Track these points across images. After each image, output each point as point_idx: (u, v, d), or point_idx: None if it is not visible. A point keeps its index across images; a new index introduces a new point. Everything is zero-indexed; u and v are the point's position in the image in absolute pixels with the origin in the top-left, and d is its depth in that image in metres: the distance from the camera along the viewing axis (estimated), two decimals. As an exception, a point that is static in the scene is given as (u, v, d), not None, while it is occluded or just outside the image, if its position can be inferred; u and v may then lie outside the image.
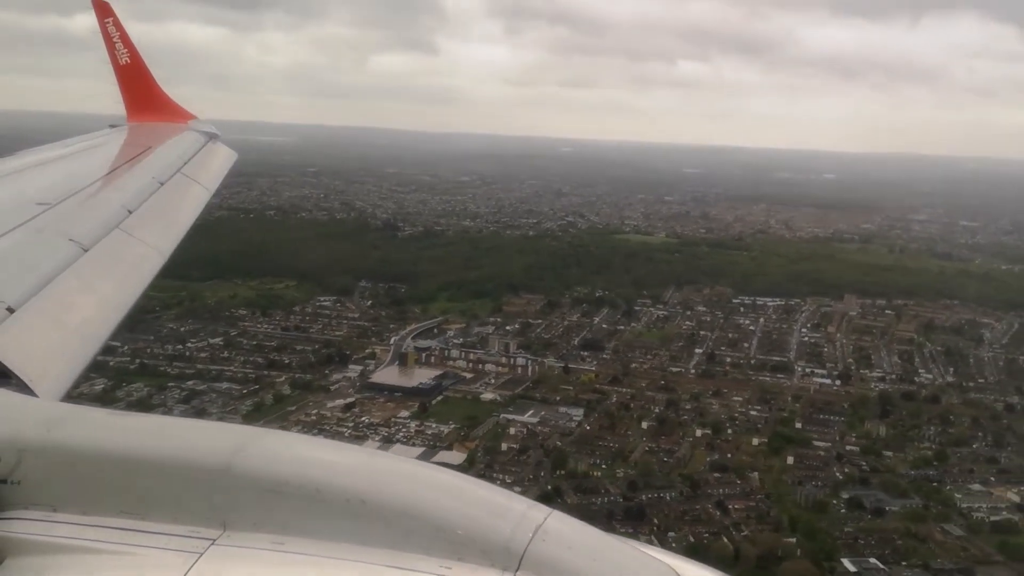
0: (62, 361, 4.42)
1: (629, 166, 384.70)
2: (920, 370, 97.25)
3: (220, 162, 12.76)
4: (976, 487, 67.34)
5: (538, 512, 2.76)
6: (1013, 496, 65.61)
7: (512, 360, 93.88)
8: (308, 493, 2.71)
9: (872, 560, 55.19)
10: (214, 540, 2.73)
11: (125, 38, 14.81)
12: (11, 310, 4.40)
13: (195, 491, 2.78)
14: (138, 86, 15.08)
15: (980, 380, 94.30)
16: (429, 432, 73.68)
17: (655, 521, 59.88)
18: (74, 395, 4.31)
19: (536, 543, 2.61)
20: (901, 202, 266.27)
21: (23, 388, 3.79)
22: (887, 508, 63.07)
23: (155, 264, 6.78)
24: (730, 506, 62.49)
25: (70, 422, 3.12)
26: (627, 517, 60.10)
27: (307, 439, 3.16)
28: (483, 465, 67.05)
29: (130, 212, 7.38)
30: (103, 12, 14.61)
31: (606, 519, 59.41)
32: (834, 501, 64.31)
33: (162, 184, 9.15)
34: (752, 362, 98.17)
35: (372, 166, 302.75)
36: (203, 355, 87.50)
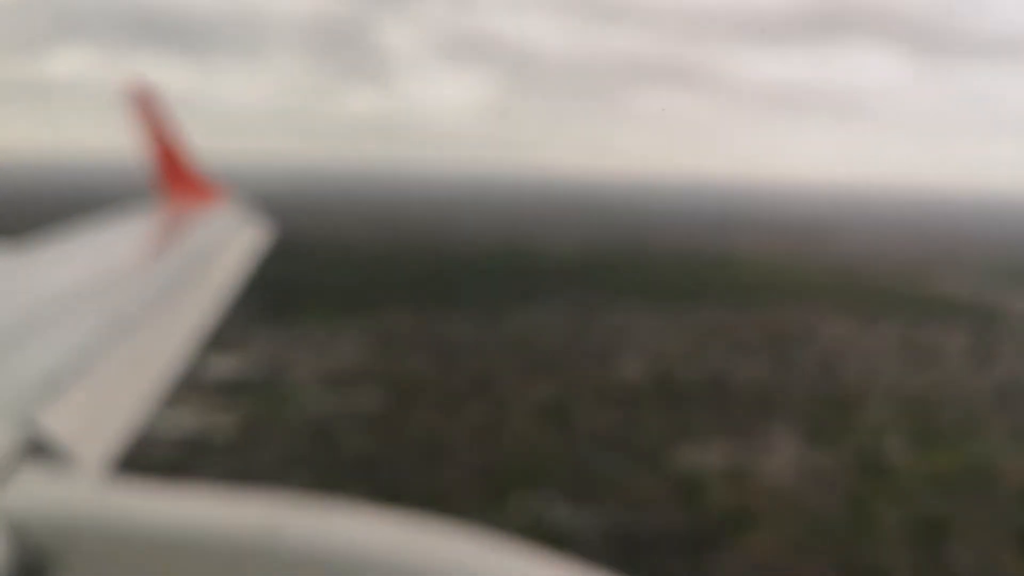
0: (109, 439, 4.43)
1: (612, 196, 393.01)
2: (740, 363, 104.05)
3: (253, 240, 12.96)
4: (703, 450, 75.44)
5: None
6: (729, 457, 73.21)
7: (351, 356, 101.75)
8: (354, 567, 2.62)
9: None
10: None
11: (158, 118, 15.19)
12: (55, 390, 4.34)
13: (243, 566, 2.72)
14: (171, 164, 15.39)
15: (792, 371, 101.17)
16: (225, 413, 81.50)
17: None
18: (122, 473, 4.26)
19: None
20: (851, 225, 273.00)
21: (72, 467, 3.71)
22: (608, 465, 71.46)
23: (194, 339, 6.98)
24: (459, 463, 69.69)
25: (117, 500, 3.07)
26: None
27: (352, 511, 2.93)
28: (251, 437, 75.06)
29: (167, 290, 7.57)
30: (138, 92, 14.97)
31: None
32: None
33: (198, 260, 9.37)
34: (587, 357, 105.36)
35: (344, 198, 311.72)
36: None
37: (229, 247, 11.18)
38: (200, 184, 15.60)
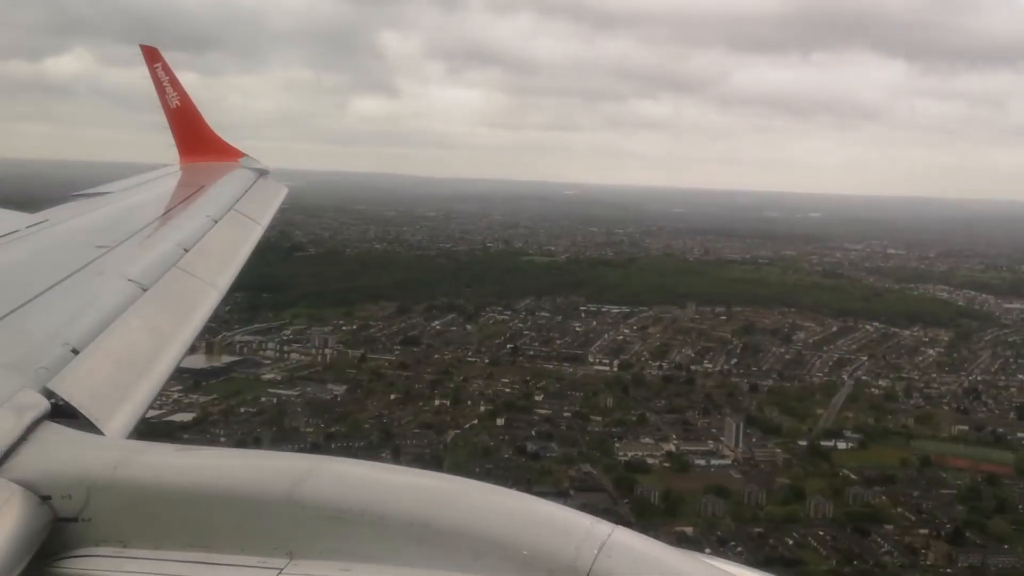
0: (126, 399, 4.43)
1: (620, 207, 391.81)
2: (704, 361, 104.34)
3: (271, 197, 13.14)
4: (646, 440, 75.00)
5: (603, 528, 2.72)
6: (670, 447, 73.21)
7: (320, 350, 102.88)
8: (372, 519, 2.73)
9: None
10: (282, 569, 2.76)
11: (174, 81, 15.63)
12: (76, 351, 4.40)
13: (261, 522, 2.82)
14: (188, 127, 15.83)
15: (752, 369, 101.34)
16: (185, 401, 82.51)
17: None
18: (139, 432, 4.36)
19: (602, 560, 2.57)
20: (853, 235, 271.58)
21: (90, 427, 3.77)
22: (546, 454, 70.98)
23: (212, 300, 6.96)
24: (404, 451, 70.35)
25: (137, 459, 3.16)
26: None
27: (368, 464, 3.11)
28: (209, 422, 76.08)
29: (186, 250, 7.49)
30: (152, 57, 15.40)
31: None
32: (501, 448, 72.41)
33: (216, 221, 9.32)
34: (551, 354, 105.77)
35: (347, 204, 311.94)
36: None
37: (248, 204, 11.33)
38: (217, 145, 16.18)
